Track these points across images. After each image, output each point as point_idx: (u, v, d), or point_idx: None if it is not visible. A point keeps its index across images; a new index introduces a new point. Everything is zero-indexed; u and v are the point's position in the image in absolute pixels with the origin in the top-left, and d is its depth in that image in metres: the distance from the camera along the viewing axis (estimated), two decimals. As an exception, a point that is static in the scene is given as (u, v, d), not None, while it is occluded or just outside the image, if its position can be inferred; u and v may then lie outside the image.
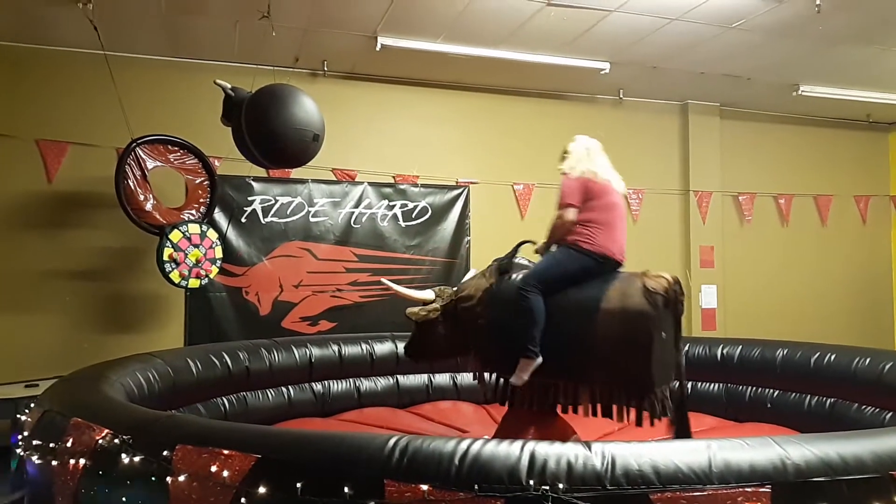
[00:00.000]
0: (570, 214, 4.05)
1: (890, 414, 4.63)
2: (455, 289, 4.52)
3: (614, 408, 4.05)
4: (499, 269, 4.32)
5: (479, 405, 5.83)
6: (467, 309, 4.31)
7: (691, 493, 2.18)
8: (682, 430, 4.05)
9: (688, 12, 5.44)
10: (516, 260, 4.40)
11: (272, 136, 4.52)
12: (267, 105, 4.52)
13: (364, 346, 5.93)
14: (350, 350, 5.86)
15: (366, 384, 5.92)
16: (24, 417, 3.46)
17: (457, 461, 2.22)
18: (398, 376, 6.02)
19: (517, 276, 4.17)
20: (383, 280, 4.88)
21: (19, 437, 3.24)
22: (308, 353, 5.65)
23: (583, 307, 3.94)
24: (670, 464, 2.24)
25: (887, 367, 4.66)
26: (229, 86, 4.91)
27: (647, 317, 3.83)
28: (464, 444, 2.28)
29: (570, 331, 3.93)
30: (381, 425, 5.11)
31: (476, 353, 4.42)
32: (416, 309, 4.41)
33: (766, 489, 2.21)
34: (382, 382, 6.00)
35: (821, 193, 8.72)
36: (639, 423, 3.93)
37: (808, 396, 5.23)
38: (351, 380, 5.89)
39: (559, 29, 5.81)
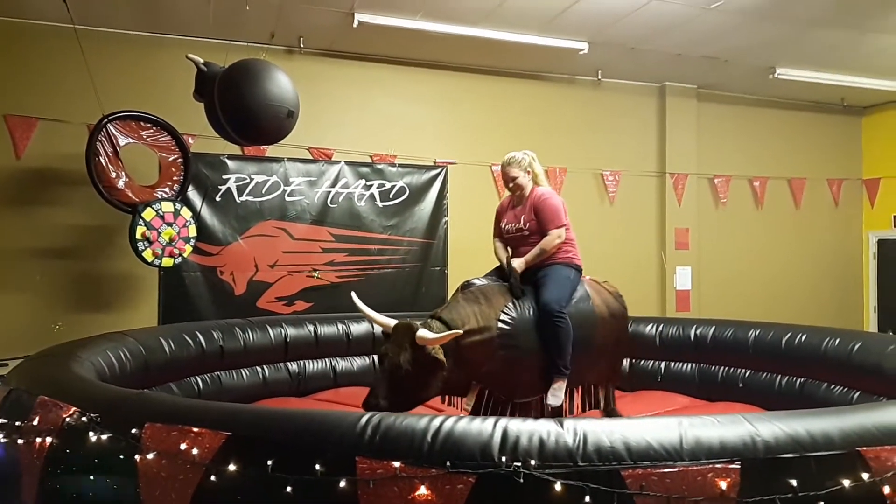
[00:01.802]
0: (564, 234, 4.25)
1: (858, 393, 4.71)
2: (435, 320, 3.78)
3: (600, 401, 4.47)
4: (513, 294, 4.06)
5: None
6: (483, 342, 3.82)
7: (662, 470, 2.20)
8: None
9: (666, -8, 5.44)
10: (480, 281, 4.13)
11: (245, 112, 4.44)
12: (240, 80, 4.44)
13: (340, 325, 5.93)
14: (326, 330, 5.86)
15: (342, 364, 5.92)
16: (-10, 396, 3.40)
17: (429, 438, 2.22)
18: (374, 356, 6.00)
19: (507, 300, 4.01)
20: (354, 297, 4.02)
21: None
22: (283, 332, 5.63)
23: (583, 317, 4.19)
24: (641, 440, 2.25)
25: (856, 347, 4.73)
26: (202, 60, 4.83)
27: (626, 318, 4.58)
28: (436, 422, 2.28)
29: (576, 339, 4.05)
30: (357, 405, 5.09)
31: (488, 385, 3.97)
32: (442, 356, 3.53)
33: (736, 465, 2.23)
34: (358, 362, 6.01)
35: (795, 176, 8.80)
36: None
37: (779, 376, 5.30)
38: (327, 359, 5.88)
39: (538, 8, 5.78)
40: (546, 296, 4.00)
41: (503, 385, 3.98)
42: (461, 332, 3.61)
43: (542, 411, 4.04)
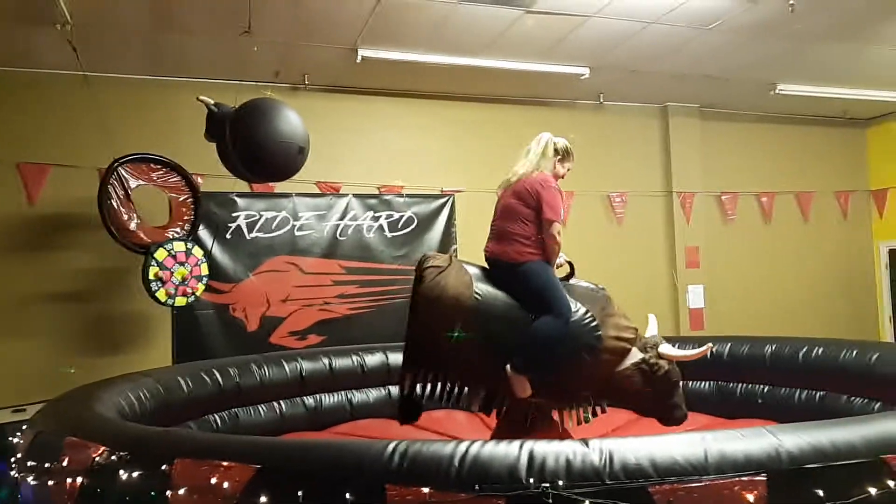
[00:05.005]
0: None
1: (879, 403, 4.69)
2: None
3: None
4: None
5: (472, 413, 5.82)
6: None
7: (689, 485, 2.21)
8: None
9: (665, 15, 5.50)
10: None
11: (258, 150, 4.52)
12: (251, 119, 4.52)
13: (355, 357, 5.93)
14: (341, 363, 5.86)
15: (358, 396, 5.91)
16: (15, 440, 3.42)
17: (457, 462, 2.24)
18: (390, 387, 6.01)
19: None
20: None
21: (12, 460, 3.20)
22: (299, 366, 5.64)
23: None
24: (667, 457, 2.26)
25: (874, 357, 4.72)
26: (212, 101, 4.93)
27: None
28: (463, 446, 2.29)
29: None
30: (376, 436, 5.09)
31: None
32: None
33: (762, 477, 2.24)
34: (374, 394, 6.00)
35: (802, 190, 8.82)
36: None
37: (798, 390, 5.28)
38: (342, 392, 5.88)
39: (538, 36, 5.86)
40: None
41: None
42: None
43: None
